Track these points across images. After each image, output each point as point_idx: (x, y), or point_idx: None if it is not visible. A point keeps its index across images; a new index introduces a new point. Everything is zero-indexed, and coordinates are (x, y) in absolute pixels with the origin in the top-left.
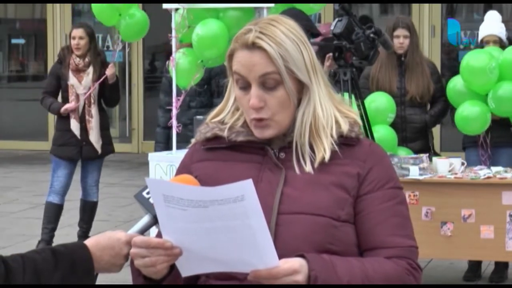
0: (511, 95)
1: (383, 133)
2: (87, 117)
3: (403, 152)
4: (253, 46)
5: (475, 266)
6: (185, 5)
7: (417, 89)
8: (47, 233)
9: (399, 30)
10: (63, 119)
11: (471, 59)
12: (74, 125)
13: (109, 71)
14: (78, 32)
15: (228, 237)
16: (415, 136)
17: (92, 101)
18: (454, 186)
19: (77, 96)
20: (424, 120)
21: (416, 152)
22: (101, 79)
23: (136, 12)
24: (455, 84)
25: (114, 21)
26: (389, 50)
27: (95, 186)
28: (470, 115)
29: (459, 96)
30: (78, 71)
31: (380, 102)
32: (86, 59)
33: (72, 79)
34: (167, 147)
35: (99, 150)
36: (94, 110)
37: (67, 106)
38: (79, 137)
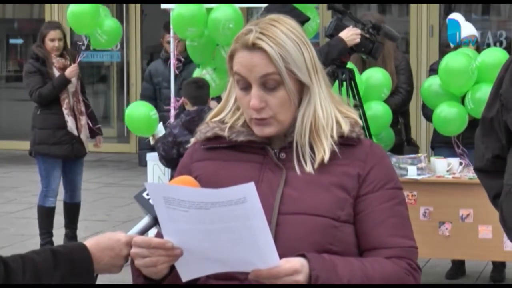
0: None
1: (379, 109)
2: (77, 114)
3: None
4: (253, 47)
5: (457, 264)
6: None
7: None
8: (49, 236)
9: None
10: (52, 116)
11: (450, 61)
12: (71, 122)
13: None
14: (57, 33)
15: (229, 238)
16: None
17: (80, 98)
18: (452, 186)
19: (68, 94)
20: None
21: (391, 147)
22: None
23: (109, 21)
24: (430, 84)
25: (88, 30)
26: (395, 40)
27: (80, 187)
28: (449, 116)
29: (434, 96)
30: (64, 69)
31: (376, 78)
32: (68, 58)
33: None
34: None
35: (87, 148)
36: (83, 107)
37: (71, 68)
38: (75, 134)
